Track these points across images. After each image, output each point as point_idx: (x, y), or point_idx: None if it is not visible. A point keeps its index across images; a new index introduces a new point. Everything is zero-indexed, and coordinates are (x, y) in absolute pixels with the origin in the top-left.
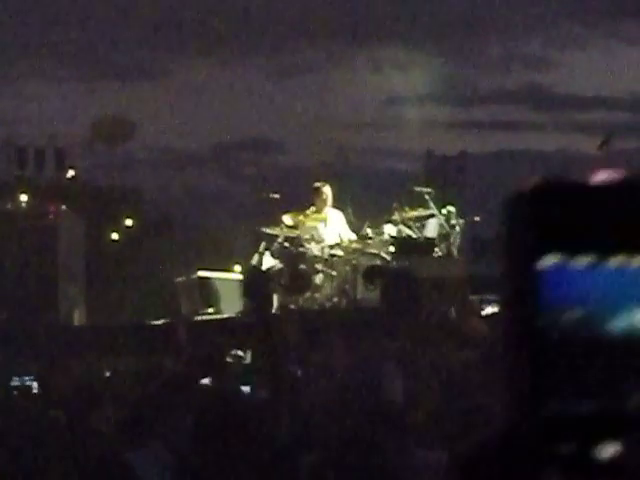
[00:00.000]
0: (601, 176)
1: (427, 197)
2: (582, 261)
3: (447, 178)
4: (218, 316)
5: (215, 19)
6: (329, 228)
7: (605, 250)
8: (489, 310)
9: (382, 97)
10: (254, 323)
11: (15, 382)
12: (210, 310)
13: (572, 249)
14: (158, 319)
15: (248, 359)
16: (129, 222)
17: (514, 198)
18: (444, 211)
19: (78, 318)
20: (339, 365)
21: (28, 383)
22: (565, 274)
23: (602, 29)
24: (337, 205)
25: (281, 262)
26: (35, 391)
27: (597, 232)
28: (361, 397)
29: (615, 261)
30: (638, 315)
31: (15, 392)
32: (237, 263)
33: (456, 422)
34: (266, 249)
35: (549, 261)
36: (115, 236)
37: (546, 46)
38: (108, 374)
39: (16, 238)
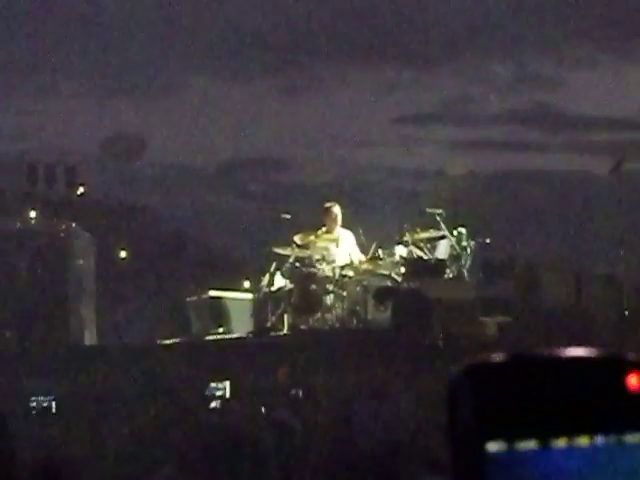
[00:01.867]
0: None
1: (438, 218)
2: (527, 445)
3: (457, 198)
4: (228, 336)
5: (224, 38)
6: (340, 249)
7: (549, 433)
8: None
9: (392, 116)
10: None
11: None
12: (220, 330)
13: (516, 434)
14: (169, 339)
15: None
16: (124, 254)
17: (454, 381)
18: (455, 232)
19: (89, 337)
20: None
21: (45, 404)
22: (511, 459)
23: (612, 49)
24: (347, 225)
25: (292, 282)
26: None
27: (540, 414)
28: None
29: (560, 444)
30: None
31: (34, 412)
32: (247, 281)
33: None
34: (277, 269)
35: (494, 447)
36: (124, 254)
37: (556, 66)
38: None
39: (26, 255)
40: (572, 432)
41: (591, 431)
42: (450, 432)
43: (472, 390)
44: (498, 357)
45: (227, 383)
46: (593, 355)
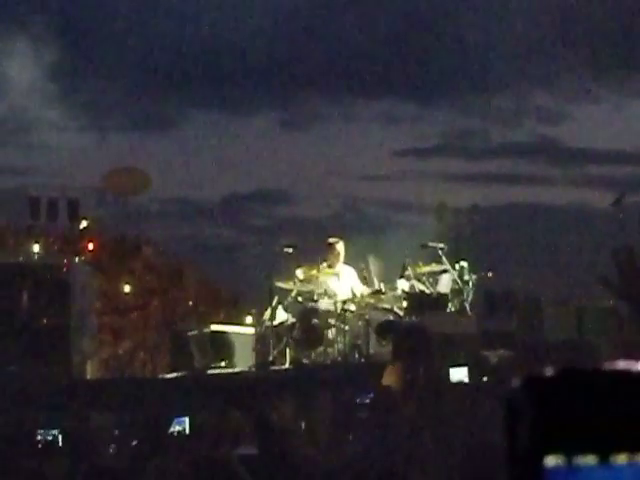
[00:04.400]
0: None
1: (440, 252)
2: (586, 460)
3: (459, 232)
4: (230, 370)
5: (226, 71)
6: (342, 283)
7: (609, 448)
8: (456, 376)
9: (393, 150)
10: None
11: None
12: (222, 364)
13: (576, 448)
14: (170, 372)
15: None
16: (127, 288)
17: (513, 394)
18: (457, 266)
19: (90, 371)
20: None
21: (50, 438)
22: (569, 474)
23: (614, 83)
24: (349, 258)
25: (294, 316)
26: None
27: (600, 430)
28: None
29: (620, 459)
30: None
31: (40, 446)
32: (249, 316)
33: None
34: (279, 303)
35: (552, 461)
36: (127, 288)
37: (558, 99)
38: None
39: (29, 289)
40: (633, 448)
41: None
42: (508, 446)
43: (530, 404)
44: (556, 371)
45: (186, 419)
46: None
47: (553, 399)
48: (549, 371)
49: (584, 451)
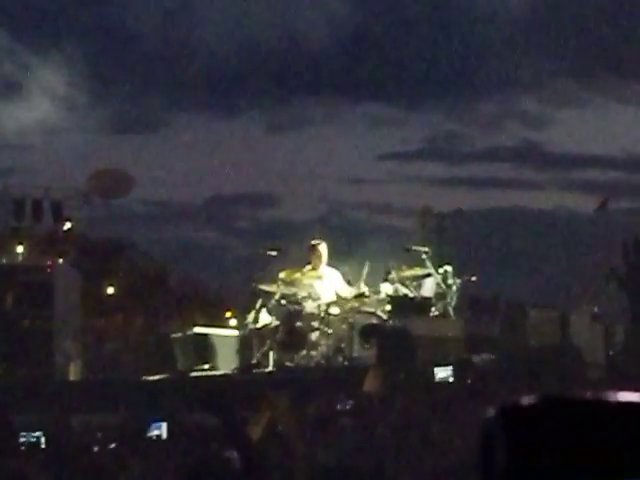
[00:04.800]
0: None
1: (424, 256)
2: None
3: (443, 236)
4: (214, 372)
5: (213, 74)
6: (325, 286)
7: (584, 476)
8: (441, 374)
9: (378, 153)
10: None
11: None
12: (206, 366)
13: (550, 476)
14: (154, 375)
15: None
16: (111, 290)
17: (489, 422)
18: (441, 270)
19: (74, 373)
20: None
21: (33, 440)
22: None
23: (598, 88)
24: (333, 262)
25: (277, 319)
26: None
27: (575, 457)
28: None
29: None
30: None
31: (23, 447)
32: (233, 319)
33: None
34: (262, 306)
35: None
36: (111, 290)
37: (542, 104)
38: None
39: (13, 290)
40: (607, 476)
41: (625, 476)
42: (483, 473)
43: (506, 432)
44: (531, 399)
45: (163, 424)
46: (625, 399)
47: (527, 427)
48: (525, 400)
49: (560, 479)
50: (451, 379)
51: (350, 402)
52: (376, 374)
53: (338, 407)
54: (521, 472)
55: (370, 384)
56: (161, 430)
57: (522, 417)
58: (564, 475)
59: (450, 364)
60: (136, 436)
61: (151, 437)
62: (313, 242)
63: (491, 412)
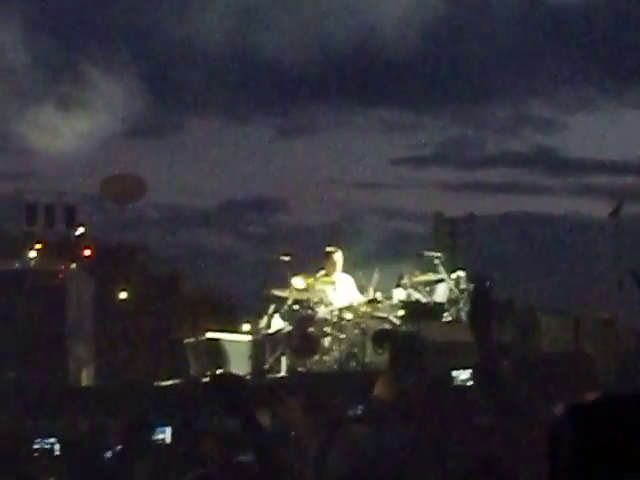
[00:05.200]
0: None
1: (437, 261)
2: None
3: (456, 241)
4: None
5: (223, 78)
6: (338, 291)
7: None
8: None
9: (390, 158)
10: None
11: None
12: (218, 371)
13: (621, 474)
14: (167, 380)
15: None
16: (123, 295)
17: (557, 421)
18: (454, 276)
19: (86, 378)
20: None
21: (47, 446)
22: None
23: (611, 93)
24: (346, 267)
25: (290, 324)
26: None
27: None
28: None
29: None
30: None
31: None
32: (246, 324)
33: None
34: (275, 311)
35: None
36: (124, 295)
37: (555, 109)
38: None
39: (25, 296)
40: None
41: None
42: (551, 472)
43: (575, 431)
44: (599, 398)
45: (168, 428)
46: None
47: (596, 425)
48: (591, 398)
49: (630, 477)
50: (470, 382)
51: (361, 407)
52: (387, 379)
53: (350, 412)
54: (589, 469)
55: (380, 389)
56: (165, 434)
57: (589, 415)
58: (631, 472)
59: (469, 367)
60: (147, 442)
61: (156, 441)
62: (328, 249)
63: (559, 411)
